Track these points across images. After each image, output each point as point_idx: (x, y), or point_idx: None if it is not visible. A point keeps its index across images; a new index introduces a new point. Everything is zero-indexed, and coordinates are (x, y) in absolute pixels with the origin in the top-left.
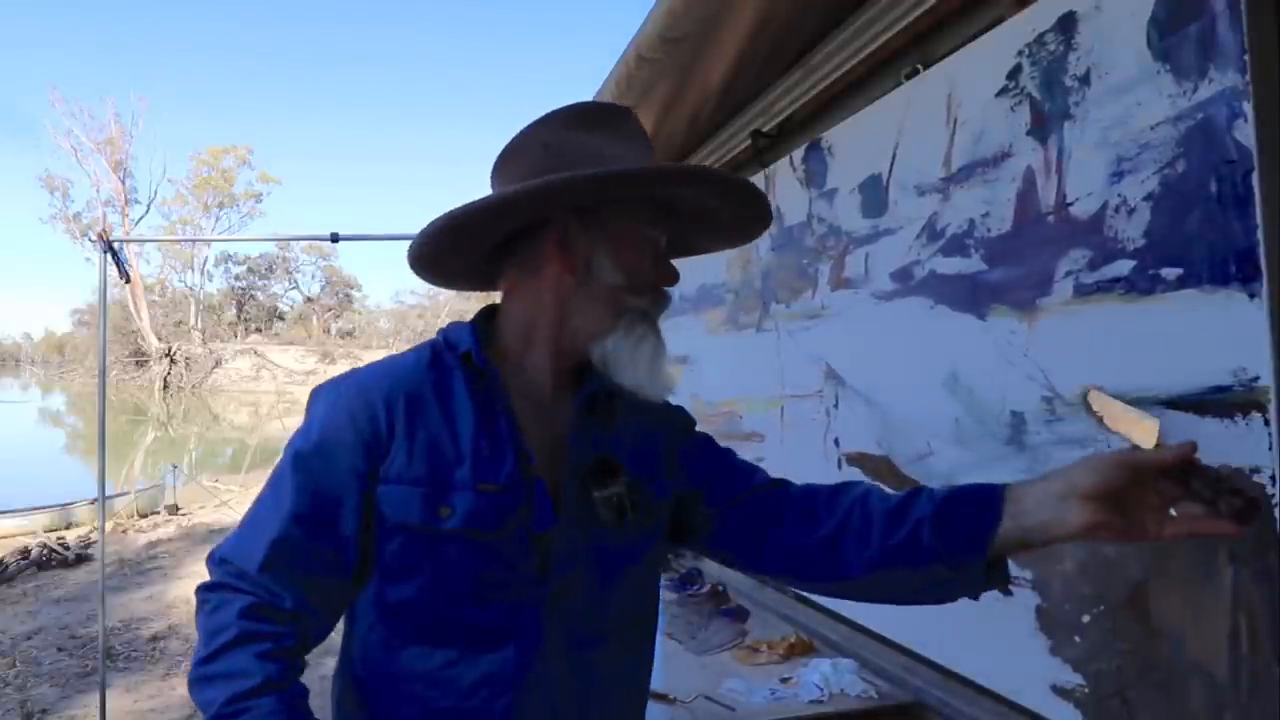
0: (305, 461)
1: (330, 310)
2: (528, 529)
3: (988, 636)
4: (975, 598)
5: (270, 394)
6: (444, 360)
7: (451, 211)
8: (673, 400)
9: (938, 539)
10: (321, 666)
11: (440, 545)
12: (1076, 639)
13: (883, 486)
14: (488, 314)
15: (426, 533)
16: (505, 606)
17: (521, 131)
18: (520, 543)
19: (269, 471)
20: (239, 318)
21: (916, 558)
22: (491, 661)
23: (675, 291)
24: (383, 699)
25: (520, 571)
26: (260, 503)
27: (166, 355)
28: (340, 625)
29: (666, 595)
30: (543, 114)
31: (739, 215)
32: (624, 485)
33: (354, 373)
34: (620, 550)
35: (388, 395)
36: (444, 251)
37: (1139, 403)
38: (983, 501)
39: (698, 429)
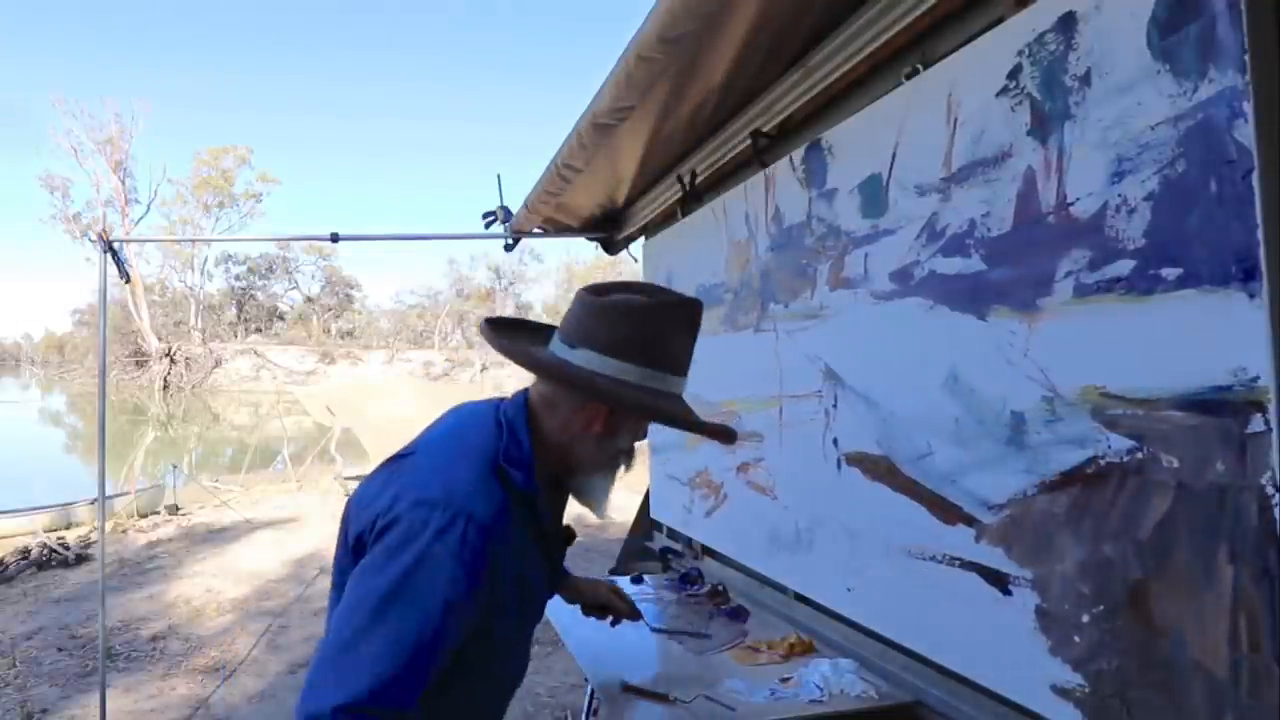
0: (458, 613)
1: (330, 310)
2: (545, 595)
3: (988, 636)
4: None
5: (270, 394)
6: (514, 490)
7: (533, 361)
8: None
9: None
10: None
11: (514, 640)
12: (1076, 639)
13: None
14: (514, 424)
15: (514, 633)
16: (526, 644)
17: (637, 300)
18: (542, 603)
19: (268, 471)
20: (239, 318)
21: None
22: (512, 683)
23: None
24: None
25: (537, 619)
26: (400, 638)
27: (166, 355)
28: None
29: (666, 595)
30: (653, 291)
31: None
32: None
33: (471, 514)
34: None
35: (499, 549)
36: (513, 336)
37: (1139, 403)
38: None
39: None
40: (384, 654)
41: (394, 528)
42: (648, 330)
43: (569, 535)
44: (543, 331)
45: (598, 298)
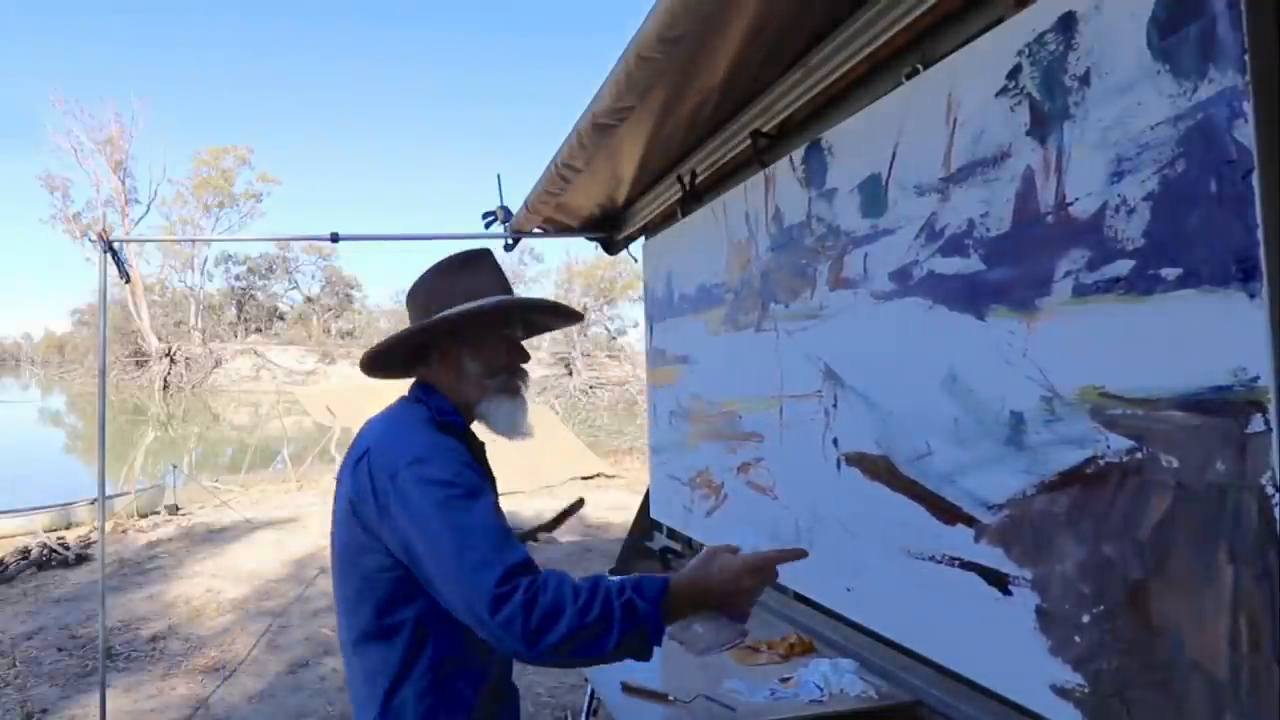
0: (479, 484)
1: (330, 310)
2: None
3: (988, 636)
4: None
5: (270, 394)
6: (451, 429)
7: (382, 342)
8: (671, 399)
9: None
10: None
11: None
12: (1076, 639)
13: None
14: (421, 390)
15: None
16: None
17: (418, 279)
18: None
19: (268, 471)
20: (239, 318)
21: None
22: None
23: (675, 292)
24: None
25: None
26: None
27: (166, 355)
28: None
29: None
30: (433, 263)
31: (557, 317)
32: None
33: (437, 446)
34: None
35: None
36: (381, 361)
37: (1138, 403)
38: None
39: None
40: (481, 539)
41: (395, 493)
42: (430, 289)
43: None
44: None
45: (408, 293)
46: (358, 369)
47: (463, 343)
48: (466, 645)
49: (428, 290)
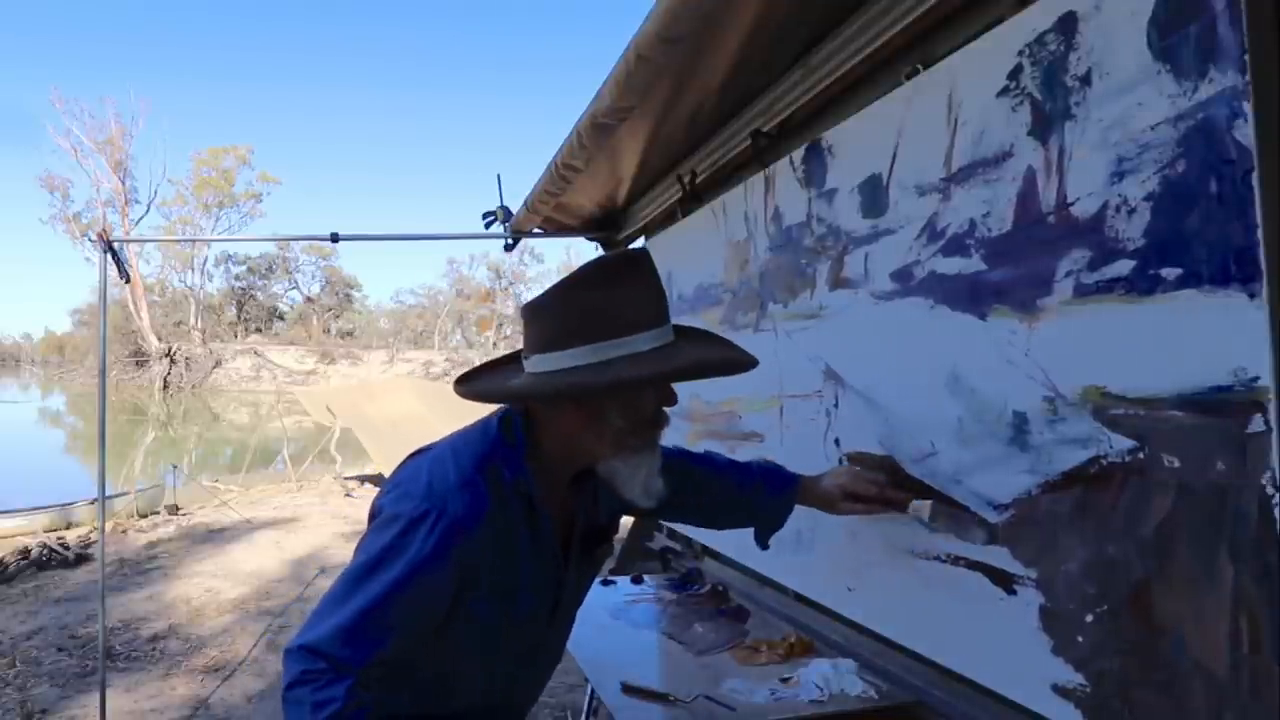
0: (415, 591)
1: (330, 310)
2: (550, 589)
3: (988, 636)
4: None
5: (270, 394)
6: (505, 487)
7: (494, 390)
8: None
9: (767, 514)
10: None
11: (506, 624)
12: (1078, 638)
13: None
14: (512, 422)
15: (500, 622)
16: (530, 637)
17: (557, 286)
18: (545, 597)
19: (268, 471)
20: (239, 318)
21: (753, 520)
22: (518, 672)
23: (674, 291)
24: (440, 694)
25: (542, 613)
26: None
27: (166, 355)
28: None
29: (666, 595)
30: (574, 270)
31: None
32: (610, 544)
33: (444, 510)
34: (590, 581)
35: (473, 544)
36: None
37: (1140, 403)
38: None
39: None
40: (346, 612)
41: (381, 516)
42: (580, 308)
43: (602, 533)
44: (516, 358)
45: (529, 304)
46: (357, 368)
47: (582, 399)
48: (417, 703)
49: (581, 313)
